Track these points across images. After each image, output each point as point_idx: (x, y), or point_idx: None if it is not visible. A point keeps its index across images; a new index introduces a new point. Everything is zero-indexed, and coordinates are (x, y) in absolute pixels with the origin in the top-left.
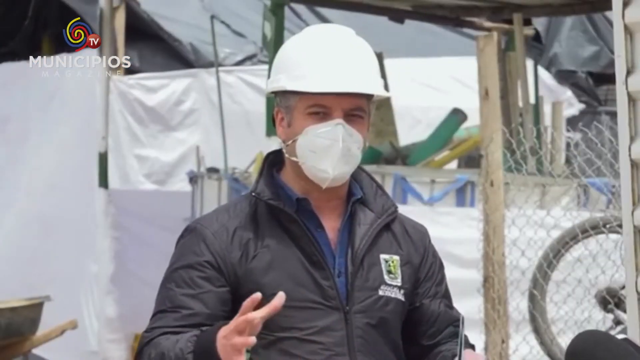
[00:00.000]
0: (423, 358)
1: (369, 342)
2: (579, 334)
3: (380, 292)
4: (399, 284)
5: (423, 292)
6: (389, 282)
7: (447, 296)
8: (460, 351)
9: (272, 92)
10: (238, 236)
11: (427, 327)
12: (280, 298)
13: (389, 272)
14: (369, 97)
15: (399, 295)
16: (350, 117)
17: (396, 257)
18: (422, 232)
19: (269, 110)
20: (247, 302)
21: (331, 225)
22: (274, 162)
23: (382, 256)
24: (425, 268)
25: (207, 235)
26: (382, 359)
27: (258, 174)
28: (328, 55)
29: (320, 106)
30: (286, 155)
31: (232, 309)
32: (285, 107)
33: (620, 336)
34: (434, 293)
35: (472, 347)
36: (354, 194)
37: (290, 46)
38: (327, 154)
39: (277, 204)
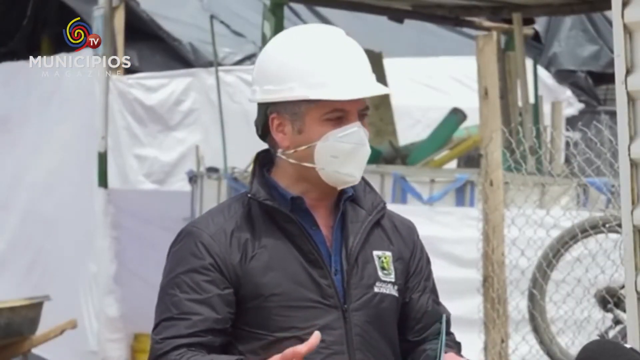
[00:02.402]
0: (410, 354)
1: (367, 339)
2: (587, 343)
3: (376, 289)
4: (393, 280)
5: (412, 287)
6: (383, 278)
7: (434, 291)
8: (440, 353)
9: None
10: (236, 237)
11: (414, 323)
12: (316, 337)
13: (383, 268)
14: None
15: (393, 292)
16: (360, 117)
17: (388, 253)
18: (411, 228)
19: None
20: (289, 352)
21: (325, 223)
22: (264, 162)
23: (375, 253)
24: (414, 263)
25: (205, 238)
26: (379, 356)
27: (251, 175)
28: (339, 59)
29: (340, 111)
30: (291, 161)
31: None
32: (292, 114)
33: (628, 345)
34: (422, 288)
35: (458, 344)
36: (346, 192)
37: (286, 52)
38: (352, 157)
39: (272, 204)
